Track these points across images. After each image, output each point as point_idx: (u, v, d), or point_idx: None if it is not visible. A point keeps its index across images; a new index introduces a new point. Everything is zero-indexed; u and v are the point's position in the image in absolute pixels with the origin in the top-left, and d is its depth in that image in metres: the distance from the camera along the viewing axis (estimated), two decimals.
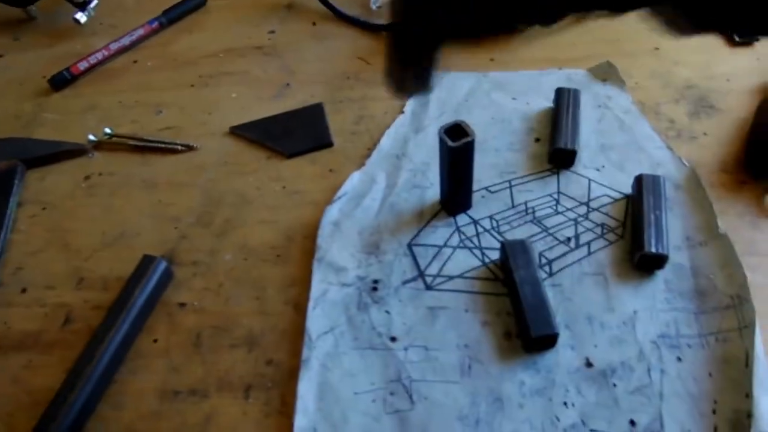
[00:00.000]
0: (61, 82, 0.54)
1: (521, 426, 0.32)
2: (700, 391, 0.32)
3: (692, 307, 0.36)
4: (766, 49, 0.51)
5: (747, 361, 0.33)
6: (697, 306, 0.36)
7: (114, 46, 0.56)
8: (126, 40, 0.57)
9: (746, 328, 0.34)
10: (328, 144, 0.46)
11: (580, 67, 0.51)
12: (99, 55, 0.56)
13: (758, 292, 0.35)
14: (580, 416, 0.32)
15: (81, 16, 0.59)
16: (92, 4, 0.59)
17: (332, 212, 0.41)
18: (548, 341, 0.34)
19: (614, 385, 0.33)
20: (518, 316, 0.35)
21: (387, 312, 0.36)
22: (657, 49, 0.52)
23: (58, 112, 0.52)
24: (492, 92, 0.49)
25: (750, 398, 0.31)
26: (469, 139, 0.36)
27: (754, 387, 0.31)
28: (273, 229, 0.42)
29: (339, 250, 0.39)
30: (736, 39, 0.51)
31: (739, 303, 0.35)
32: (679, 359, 0.34)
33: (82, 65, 0.55)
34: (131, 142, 0.48)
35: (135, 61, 0.56)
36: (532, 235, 0.39)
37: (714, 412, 0.32)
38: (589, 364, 0.34)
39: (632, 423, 0.32)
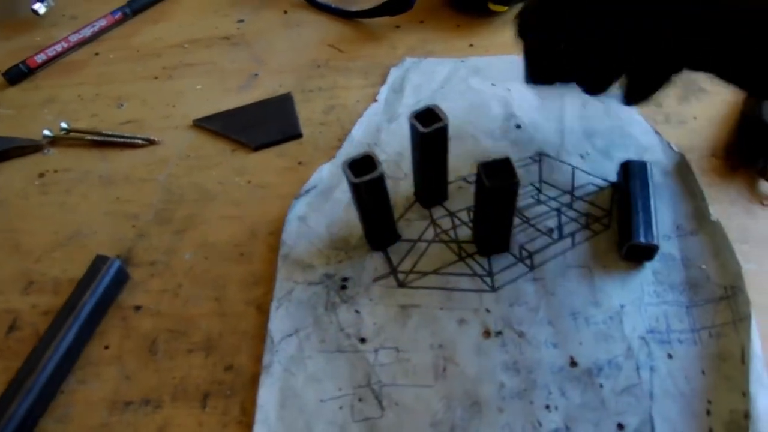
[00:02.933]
0: (17, 75, 0.51)
1: (500, 431, 0.29)
2: (693, 390, 0.30)
3: (683, 300, 0.33)
4: None
5: (743, 357, 0.30)
6: (688, 299, 0.33)
7: (74, 38, 0.54)
8: (87, 32, 0.54)
9: (741, 322, 0.31)
10: (296, 135, 0.44)
11: None
12: (58, 47, 0.53)
13: (753, 282, 0.33)
14: (564, 420, 0.30)
15: (39, 7, 0.56)
16: None
17: (299, 206, 0.39)
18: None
19: (600, 385, 0.30)
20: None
21: (356, 312, 0.34)
22: None
23: (13, 107, 0.50)
24: (470, 78, 0.46)
25: (747, 397, 0.29)
26: (441, 124, 0.33)
27: (751, 385, 0.29)
28: (236, 226, 0.39)
29: (306, 247, 0.37)
30: None
31: (734, 294, 0.33)
32: (669, 356, 0.31)
33: (40, 58, 0.52)
34: (89, 137, 0.46)
35: (96, 54, 0.54)
36: (513, 227, 0.37)
37: (708, 412, 0.29)
38: (573, 363, 0.31)
39: (620, 426, 0.29)
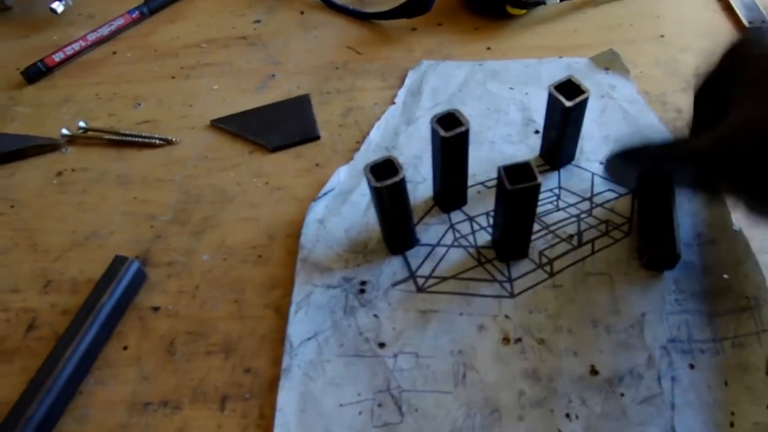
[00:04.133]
0: (35, 74, 0.51)
1: None
2: (716, 401, 0.30)
3: (705, 309, 0.33)
4: None
5: (767, 369, 0.30)
6: (710, 308, 0.33)
7: (92, 37, 0.54)
8: (105, 30, 0.54)
9: (765, 332, 0.31)
10: (314, 137, 0.44)
11: (581, 55, 0.48)
12: (76, 46, 0.53)
13: None
14: (584, 429, 0.29)
15: (57, 5, 0.56)
16: None
17: (317, 209, 0.39)
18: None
19: (622, 394, 0.30)
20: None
21: (375, 316, 0.34)
22: (662, 36, 0.49)
23: (31, 106, 0.50)
24: (488, 82, 0.46)
25: (761, 404, 0.28)
26: (463, 128, 0.33)
27: None
28: (254, 228, 0.39)
29: (324, 250, 0.37)
30: (744, 22, 0.49)
31: (756, 305, 0.32)
32: (691, 366, 0.31)
33: (58, 56, 0.52)
34: (107, 137, 0.46)
35: (114, 52, 0.54)
36: (533, 234, 0.36)
37: (732, 424, 0.29)
38: (594, 372, 0.31)
39: None
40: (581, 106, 0.35)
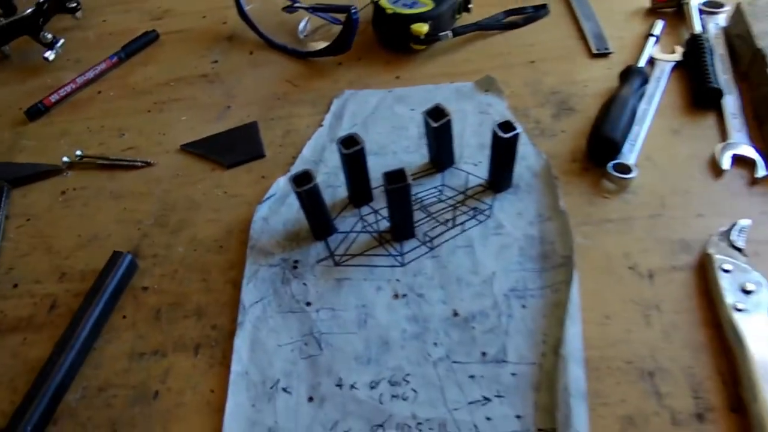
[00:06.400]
0: (36, 112, 0.64)
1: (402, 362, 0.42)
2: (536, 327, 0.43)
3: (537, 267, 0.46)
4: (616, 58, 0.62)
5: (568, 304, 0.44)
6: (540, 266, 0.47)
7: (80, 80, 0.66)
8: (90, 74, 0.67)
9: (571, 280, 0.45)
10: (261, 155, 0.57)
11: (470, 79, 0.62)
12: (68, 88, 0.65)
13: (586, 253, 0.47)
14: (446, 352, 0.43)
15: (50, 54, 0.68)
16: (59, 44, 0.69)
17: (262, 210, 0.52)
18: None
19: (473, 327, 0.44)
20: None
21: (304, 284, 0.47)
22: (532, 61, 0.63)
23: (35, 139, 0.62)
24: (395, 105, 0.60)
25: (562, 327, 0.42)
26: (358, 147, 0.46)
27: (566, 319, 0.42)
28: (217, 226, 0.52)
29: (268, 239, 0.50)
30: (594, 50, 0.63)
31: (568, 262, 0.46)
32: (523, 306, 0.44)
33: (54, 97, 0.65)
34: (99, 162, 0.58)
35: (99, 92, 0.66)
36: (419, 220, 0.50)
37: (544, 342, 0.43)
38: (456, 314, 0.45)
39: (483, 354, 0.42)
40: (446, 126, 0.49)
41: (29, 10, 0.69)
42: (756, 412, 0.36)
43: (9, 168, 0.59)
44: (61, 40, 0.69)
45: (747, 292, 0.42)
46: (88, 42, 0.73)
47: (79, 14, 0.74)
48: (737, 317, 0.40)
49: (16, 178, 0.58)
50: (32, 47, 0.70)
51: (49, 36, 0.68)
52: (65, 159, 0.58)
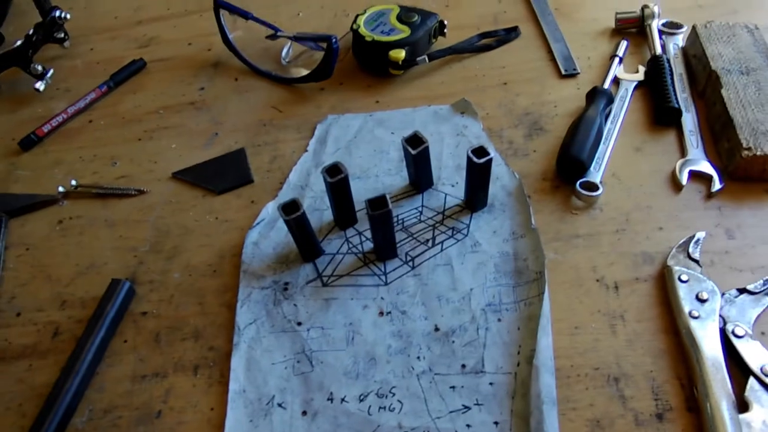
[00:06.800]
0: (29, 143, 0.66)
1: (388, 375, 0.46)
2: (511, 340, 0.47)
3: (512, 283, 0.50)
4: (584, 78, 0.66)
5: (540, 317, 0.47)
6: (515, 281, 0.50)
7: (71, 110, 0.68)
8: (81, 104, 0.69)
9: (543, 294, 0.48)
10: (249, 181, 0.60)
11: (446, 102, 0.65)
12: (59, 118, 0.68)
13: (557, 267, 0.50)
14: (428, 365, 0.46)
15: (40, 85, 0.70)
16: (49, 74, 0.71)
17: (253, 235, 0.55)
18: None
19: (453, 341, 0.47)
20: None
21: (295, 305, 0.50)
22: (505, 83, 0.67)
23: (29, 169, 0.64)
24: (375, 129, 0.63)
25: (535, 339, 0.46)
26: (342, 175, 0.49)
27: (539, 331, 0.46)
28: (209, 251, 0.55)
29: (259, 263, 0.53)
30: (563, 71, 0.66)
31: (540, 277, 0.50)
32: (499, 320, 0.48)
33: (46, 128, 0.67)
34: (94, 191, 0.61)
35: (90, 121, 0.69)
36: (401, 240, 0.53)
37: (518, 353, 0.46)
38: (437, 329, 0.48)
39: (463, 366, 0.46)
40: (424, 152, 0.52)
41: (19, 42, 0.71)
42: (709, 408, 0.40)
43: (6, 199, 0.61)
44: (51, 71, 0.71)
45: (702, 301, 0.46)
46: (77, 71, 0.75)
47: (66, 44, 0.76)
48: (693, 324, 0.44)
49: (13, 208, 0.60)
50: (21, 77, 0.72)
51: (39, 67, 0.70)
52: (61, 189, 0.61)
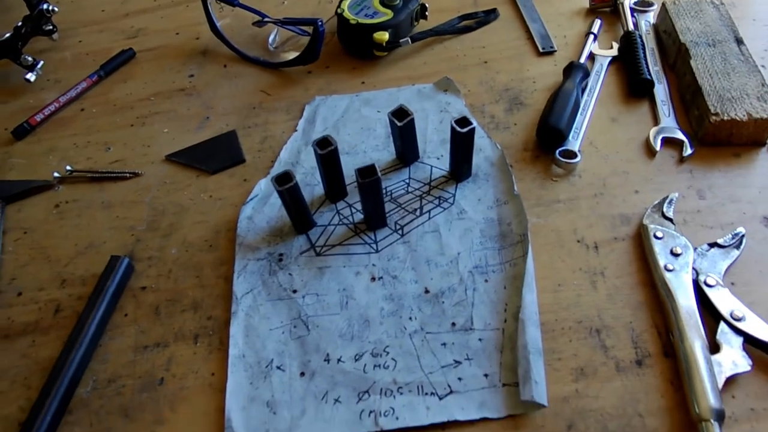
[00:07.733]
0: (22, 132, 0.67)
1: (382, 336, 0.48)
2: (498, 298, 0.49)
3: (497, 246, 0.52)
4: (561, 55, 0.69)
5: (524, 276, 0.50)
6: (500, 245, 0.52)
7: (63, 99, 0.70)
8: (72, 93, 0.70)
9: (526, 255, 0.51)
10: (241, 161, 0.61)
11: (429, 81, 0.68)
12: (51, 107, 0.69)
13: (540, 230, 0.53)
14: (420, 324, 0.48)
15: (31, 76, 0.72)
16: (39, 65, 0.72)
17: (247, 210, 0.57)
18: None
19: (442, 302, 0.49)
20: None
21: (290, 274, 0.52)
22: (485, 62, 0.69)
23: (23, 157, 0.66)
24: (362, 108, 0.65)
25: (520, 296, 0.48)
26: (332, 147, 0.51)
27: (524, 288, 0.48)
28: (205, 227, 0.57)
29: (254, 236, 0.55)
30: (541, 49, 0.69)
31: (524, 239, 0.52)
32: (486, 281, 0.50)
33: (38, 117, 0.68)
34: (89, 175, 0.62)
35: (82, 109, 0.70)
36: (390, 210, 0.55)
37: (505, 310, 0.48)
38: (426, 291, 0.50)
39: (453, 324, 0.48)
40: (409, 124, 0.54)
41: (8, 35, 0.72)
42: (683, 351, 0.43)
43: (1, 185, 0.62)
44: (41, 62, 0.72)
45: (676, 255, 0.48)
46: (66, 62, 0.76)
47: (55, 36, 0.77)
48: (668, 276, 0.47)
49: (10, 195, 0.61)
50: (11, 68, 0.73)
51: (30, 58, 0.72)
52: (56, 174, 0.62)
